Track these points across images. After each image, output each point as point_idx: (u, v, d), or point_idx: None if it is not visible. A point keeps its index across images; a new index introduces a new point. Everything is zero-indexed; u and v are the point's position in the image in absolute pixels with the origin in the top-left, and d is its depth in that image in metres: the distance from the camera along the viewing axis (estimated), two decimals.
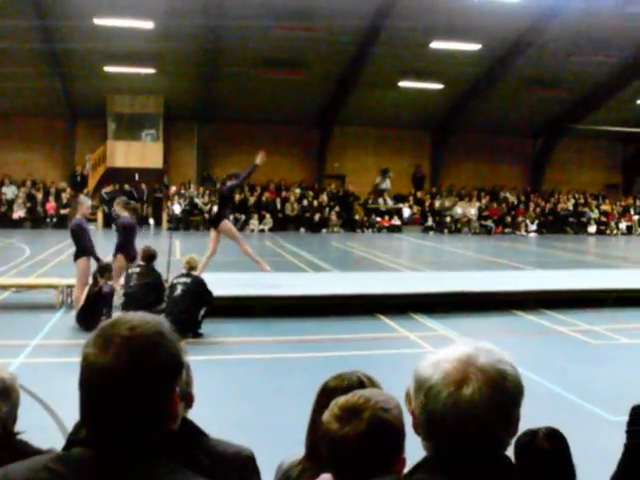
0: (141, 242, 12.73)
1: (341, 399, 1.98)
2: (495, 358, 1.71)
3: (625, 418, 3.01)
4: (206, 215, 30.12)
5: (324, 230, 31.98)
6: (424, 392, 1.70)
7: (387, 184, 35.50)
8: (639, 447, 2.90)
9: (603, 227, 36.11)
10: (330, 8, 23.88)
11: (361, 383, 2.61)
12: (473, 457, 1.68)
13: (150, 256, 11.29)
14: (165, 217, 31.63)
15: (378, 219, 33.43)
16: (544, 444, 2.84)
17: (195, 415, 2.58)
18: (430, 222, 33.91)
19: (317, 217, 32.15)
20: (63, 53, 27.16)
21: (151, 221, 32.09)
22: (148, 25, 24.70)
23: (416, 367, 1.77)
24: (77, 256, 11.89)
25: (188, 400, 2.50)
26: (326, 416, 1.98)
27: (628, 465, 2.92)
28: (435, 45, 27.00)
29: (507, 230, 34.38)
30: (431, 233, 33.09)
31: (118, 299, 11.31)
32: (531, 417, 3.40)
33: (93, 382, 1.53)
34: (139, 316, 1.62)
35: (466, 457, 1.67)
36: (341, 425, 1.93)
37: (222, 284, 12.29)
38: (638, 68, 30.14)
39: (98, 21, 24.30)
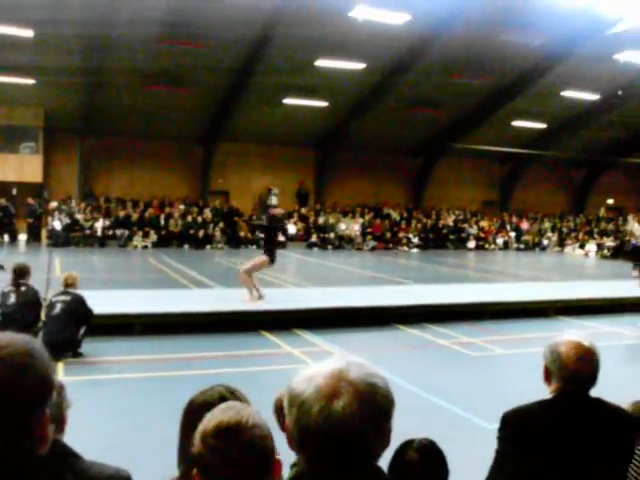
0: (20, 259, 12.30)
1: (210, 425, 1.91)
2: (366, 372, 1.75)
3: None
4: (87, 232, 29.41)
5: (208, 246, 31.72)
6: (297, 407, 1.73)
7: (272, 200, 35.59)
8: (508, 452, 3.02)
9: (481, 242, 37.27)
10: (216, 24, 23.83)
11: (223, 398, 2.60)
12: (346, 470, 1.71)
13: (23, 272, 10.79)
14: (45, 233, 30.68)
15: (262, 235, 33.33)
16: (413, 455, 2.92)
17: (73, 437, 2.51)
18: (314, 238, 34.13)
19: (201, 233, 31.86)
20: None
21: (21, 236, 31.11)
22: (27, 33, 23.85)
23: (289, 383, 1.79)
24: None
25: (60, 422, 2.43)
26: (200, 447, 1.91)
27: (498, 469, 3.04)
28: (320, 63, 27.30)
29: (390, 246, 34.96)
30: (315, 249, 33.31)
31: None
32: (413, 428, 3.48)
33: None
34: (7, 336, 1.56)
35: (339, 470, 1.71)
36: (221, 457, 1.87)
37: (102, 302, 12.02)
38: (513, 91, 31.40)
39: None
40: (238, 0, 22.67)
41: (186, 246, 31.30)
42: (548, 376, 3.14)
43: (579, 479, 2.89)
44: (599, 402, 3.08)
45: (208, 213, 33.35)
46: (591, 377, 3.07)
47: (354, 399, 1.68)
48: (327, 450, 1.70)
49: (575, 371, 3.02)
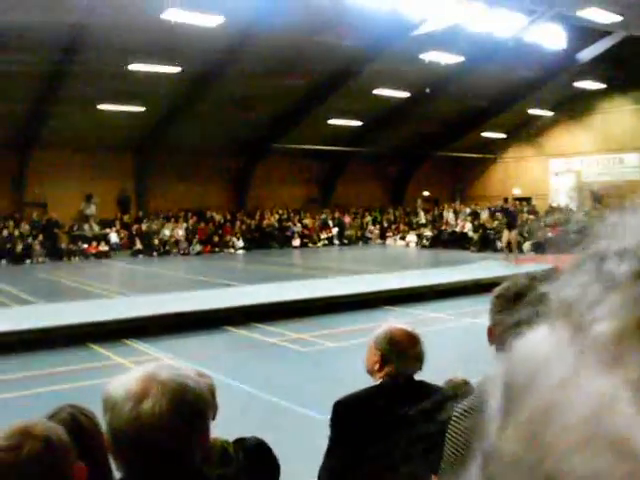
0: None
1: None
2: (176, 373, 1.79)
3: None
4: None
5: (28, 261, 30.40)
6: (109, 410, 1.75)
7: (92, 209, 34.57)
8: (339, 436, 3.13)
9: (306, 240, 37.85)
10: (23, 26, 22.76)
11: (74, 419, 2.55)
12: (162, 473, 1.73)
13: None
14: None
15: (85, 246, 32.41)
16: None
17: None
18: (138, 245, 33.47)
19: (19, 248, 30.47)
20: None
21: None
22: None
23: (105, 388, 1.81)
24: None
25: None
26: None
27: (331, 454, 3.16)
28: (134, 67, 26.74)
29: (216, 249, 34.83)
30: (140, 257, 32.68)
31: None
32: (251, 427, 3.53)
33: None
34: None
35: (155, 474, 1.73)
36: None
37: None
38: (327, 90, 32.06)
39: None
40: (46, 3, 21.84)
41: (3, 262, 29.86)
42: (379, 364, 3.24)
43: (403, 456, 3.04)
44: (421, 384, 3.25)
45: (26, 226, 31.92)
46: (419, 361, 3.21)
47: (163, 398, 1.72)
48: (141, 453, 1.73)
49: (405, 354, 3.15)
